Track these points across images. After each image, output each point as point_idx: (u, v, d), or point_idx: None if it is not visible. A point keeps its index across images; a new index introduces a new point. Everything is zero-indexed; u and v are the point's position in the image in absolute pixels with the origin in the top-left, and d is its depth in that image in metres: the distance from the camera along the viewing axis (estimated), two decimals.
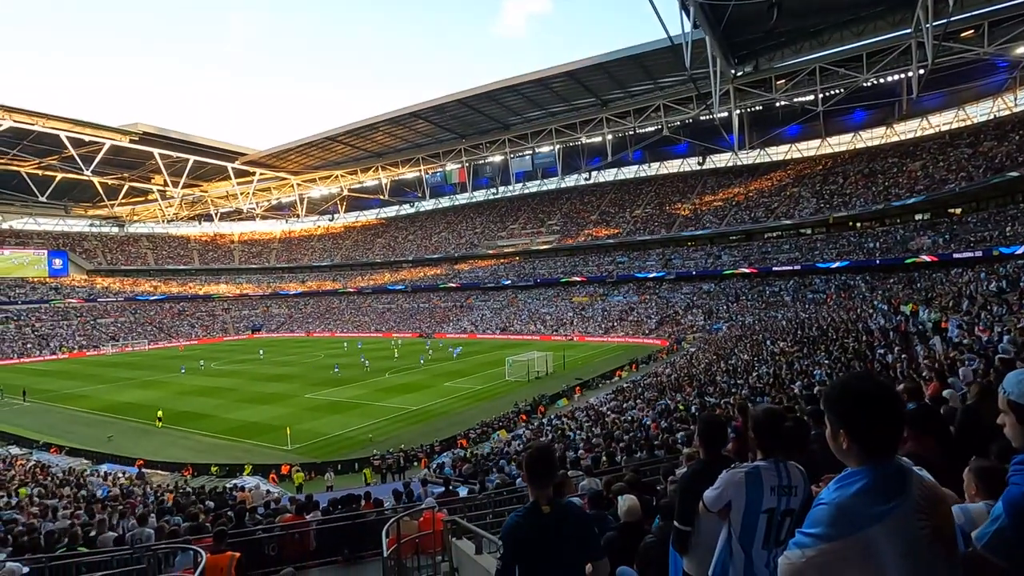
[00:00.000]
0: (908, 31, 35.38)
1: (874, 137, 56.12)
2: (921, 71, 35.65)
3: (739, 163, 63.44)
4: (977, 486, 2.46)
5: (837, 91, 43.83)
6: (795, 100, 46.91)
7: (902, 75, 41.19)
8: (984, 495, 2.46)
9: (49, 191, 68.48)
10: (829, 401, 1.48)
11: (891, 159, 50.87)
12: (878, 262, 43.54)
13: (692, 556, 2.52)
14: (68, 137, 56.71)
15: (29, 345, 59.58)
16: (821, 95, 43.85)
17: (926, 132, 51.81)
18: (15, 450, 24.29)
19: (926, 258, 39.79)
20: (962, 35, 35.94)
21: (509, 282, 68.49)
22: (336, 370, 40.66)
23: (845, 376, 1.53)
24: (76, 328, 66.13)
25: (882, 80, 43.18)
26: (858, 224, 49.88)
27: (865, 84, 42.49)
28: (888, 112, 52.65)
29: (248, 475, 20.35)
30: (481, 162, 71.02)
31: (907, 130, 53.64)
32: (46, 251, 74.06)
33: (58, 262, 74.22)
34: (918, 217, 45.91)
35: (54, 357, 57.53)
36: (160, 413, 28.28)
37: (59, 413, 32.02)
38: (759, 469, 2.17)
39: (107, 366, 49.61)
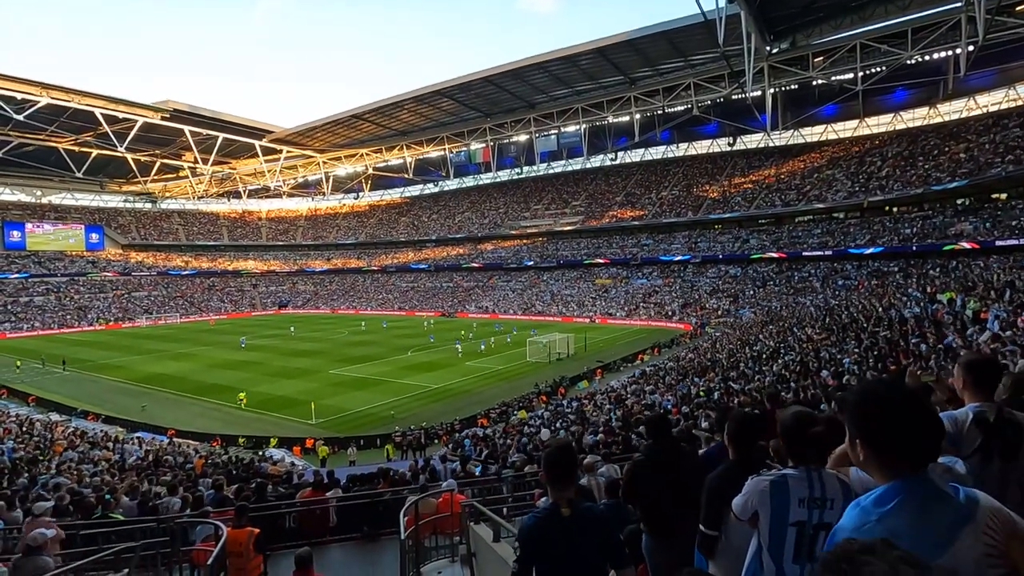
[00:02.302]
0: (958, 5, 33.51)
1: (916, 118, 53.71)
2: (970, 48, 33.82)
3: (771, 144, 61.51)
4: (966, 380, 2.21)
5: (878, 69, 41.97)
6: (833, 78, 45.00)
7: (949, 52, 39.22)
8: (973, 392, 2.19)
9: (85, 167, 70.27)
10: (847, 406, 1.36)
11: (933, 141, 48.66)
12: (915, 248, 41.95)
13: (719, 561, 2.39)
14: (102, 114, 57.84)
15: (68, 316, 61.92)
16: (861, 73, 42.02)
17: (972, 113, 49.33)
18: (55, 416, 25.40)
19: (966, 245, 38.18)
20: (1017, 8, 33.97)
21: (532, 263, 68.18)
22: (457, 345, 40.51)
23: (868, 380, 1.38)
24: (112, 301, 68.41)
25: (927, 57, 41.20)
26: (894, 209, 48.00)
27: (909, 62, 40.57)
28: (932, 91, 50.21)
29: (274, 447, 20.94)
30: (506, 141, 70.36)
31: (952, 110, 51.09)
32: (83, 226, 76.59)
33: (95, 236, 76.78)
34: (959, 202, 43.96)
35: (91, 328, 59.70)
36: (242, 395, 27.15)
37: (96, 382, 33.24)
38: (787, 478, 1.99)
39: (141, 338, 51.26)
